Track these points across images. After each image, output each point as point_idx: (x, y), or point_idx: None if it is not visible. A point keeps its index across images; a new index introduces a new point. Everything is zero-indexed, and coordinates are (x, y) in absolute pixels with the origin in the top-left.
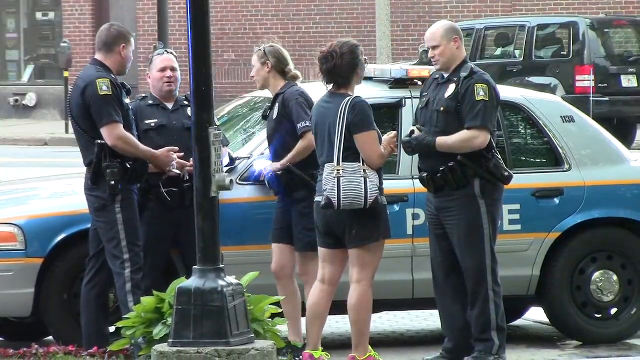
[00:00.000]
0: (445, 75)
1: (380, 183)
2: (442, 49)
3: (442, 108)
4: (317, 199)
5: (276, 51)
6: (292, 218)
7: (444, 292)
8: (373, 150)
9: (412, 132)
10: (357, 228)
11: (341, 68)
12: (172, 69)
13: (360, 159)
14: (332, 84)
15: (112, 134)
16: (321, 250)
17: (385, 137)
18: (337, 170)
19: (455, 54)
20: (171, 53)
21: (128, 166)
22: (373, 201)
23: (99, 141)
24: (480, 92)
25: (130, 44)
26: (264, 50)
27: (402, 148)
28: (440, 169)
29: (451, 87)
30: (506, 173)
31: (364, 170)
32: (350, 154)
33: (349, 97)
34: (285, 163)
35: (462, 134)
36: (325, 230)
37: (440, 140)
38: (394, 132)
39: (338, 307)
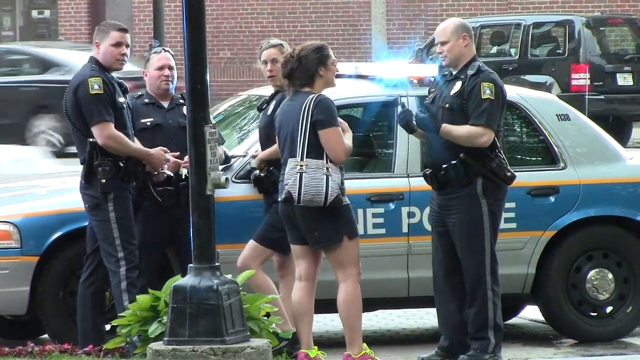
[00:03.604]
0: (454, 73)
1: (342, 183)
2: (450, 45)
3: (447, 105)
4: (279, 198)
5: None
6: (267, 213)
7: (442, 290)
8: (339, 146)
9: (403, 104)
10: (319, 230)
11: (300, 71)
12: (170, 68)
13: (324, 157)
14: (293, 87)
15: (103, 133)
16: (293, 247)
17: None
18: (301, 165)
19: (463, 51)
20: (168, 51)
21: (121, 165)
22: (333, 200)
23: (91, 140)
24: (487, 91)
25: (108, 37)
26: None
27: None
28: (443, 166)
29: (457, 85)
30: (509, 173)
31: (327, 168)
32: (313, 151)
33: (313, 95)
34: (267, 155)
35: (469, 128)
36: (290, 226)
37: (446, 127)
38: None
39: (332, 305)
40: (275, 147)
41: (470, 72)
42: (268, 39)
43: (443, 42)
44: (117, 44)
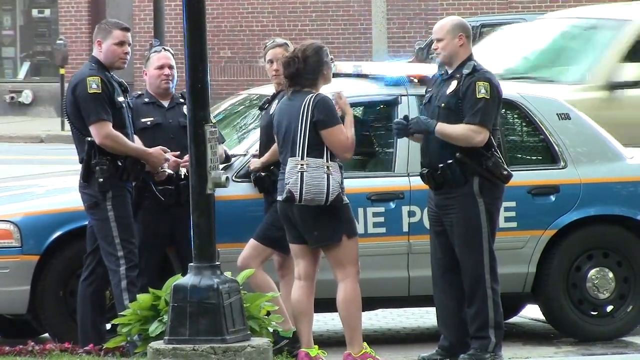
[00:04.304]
0: (450, 72)
1: (342, 182)
2: (445, 42)
3: (443, 104)
4: (279, 197)
5: None
6: (267, 212)
7: (442, 290)
8: (343, 144)
9: (405, 117)
10: (318, 229)
11: (305, 71)
12: (170, 67)
13: (324, 156)
14: (296, 87)
15: (100, 132)
16: (292, 246)
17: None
18: (302, 164)
19: (458, 50)
20: (168, 51)
21: (119, 164)
22: (335, 198)
23: (89, 139)
24: (482, 90)
25: (111, 36)
26: None
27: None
28: (440, 166)
29: (453, 84)
30: (505, 172)
31: (327, 167)
32: (314, 150)
33: (311, 95)
34: (267, 160)
35: (464, 127)
36: (289, 226)
37: (441, 126)
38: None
39: (332, 304)
40: (273, 150)
41: (465, 71)
42: (273, 37)
43: (439, 39)
44: (120, 43)
